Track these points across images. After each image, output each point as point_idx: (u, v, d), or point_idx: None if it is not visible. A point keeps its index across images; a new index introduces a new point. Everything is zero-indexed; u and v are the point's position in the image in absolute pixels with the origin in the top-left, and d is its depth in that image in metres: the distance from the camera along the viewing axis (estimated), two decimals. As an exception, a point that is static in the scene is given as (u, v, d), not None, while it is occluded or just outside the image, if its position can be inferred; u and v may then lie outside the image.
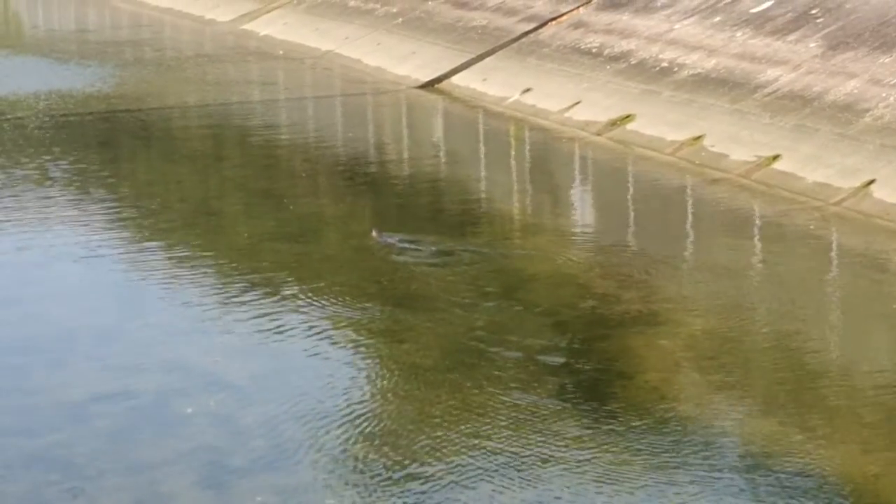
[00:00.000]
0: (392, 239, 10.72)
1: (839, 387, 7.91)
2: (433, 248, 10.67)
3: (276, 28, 24.11)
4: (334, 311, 9.17)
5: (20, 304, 9.52)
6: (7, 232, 11.23)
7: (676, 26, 16.80)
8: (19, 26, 29.31)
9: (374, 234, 10.74)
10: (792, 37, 15.15)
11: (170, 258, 10.55)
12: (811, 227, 11.40)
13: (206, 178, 13.69)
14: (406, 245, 10.69)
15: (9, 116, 16.99)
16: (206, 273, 10.08)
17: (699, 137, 13.86)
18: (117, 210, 12.26)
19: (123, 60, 21.85)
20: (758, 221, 11.70)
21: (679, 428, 7.31)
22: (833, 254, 10.77)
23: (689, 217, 11.94)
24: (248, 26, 24.99)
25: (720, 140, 13.63)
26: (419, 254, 10.53)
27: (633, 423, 7.34)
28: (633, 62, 16.38)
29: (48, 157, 14.32)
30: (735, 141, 13.49)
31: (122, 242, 11.05)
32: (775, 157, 12.87)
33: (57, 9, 31.57)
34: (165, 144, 15.87)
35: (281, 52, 22.30)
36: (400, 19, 21.66)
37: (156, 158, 15.14)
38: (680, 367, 8.24)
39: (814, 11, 15.47)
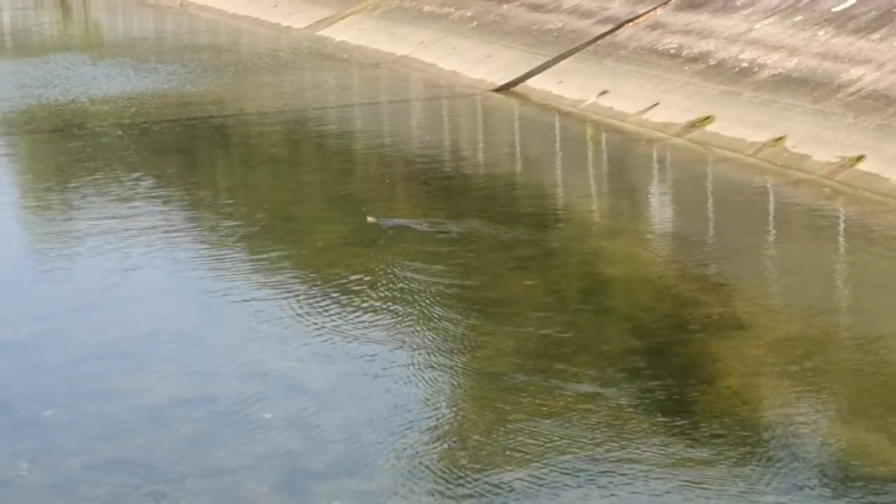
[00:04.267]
0: (391, 222, 11.06)
1: (927, 392, 7.76)
2: (453, 228, 11.06)
3: (351, 33, 24.19)
4: (411, 316, 9.14)
5: (102, 309, 9.59)
6: (88, 238, 11.33)
7: (756, 26, 16.62)
8: (99, 33, 29.66)
9: (370, 219, 11.02)
10: (875, 35, 14.92)
11: (248, 263, 10.59)
12: (896, 228, 11.23)
13: (283, 183, 13.73)
14: (413, 226, 11.13)
15: (89, 123, 17.18)
16: (284, 278, 10.11)
17: (781, 138, 13.68)
18: (196, 216, 12.33)
19: (201, 67, 22.02)
20: (842, 223, 11.53)
21: (761, 434, 7.20)
22: (919, 256, 10.59)
23: (772, 219, 11.79)
24: (323, 32, 25.10)
25: (802, 141, 13.45)
26: (475, 245, 10.50)
27: (714, 429, 7.25)
28: (712, 63, 16.22)
29: (128, 164, 14.45)
30: (818, 142, 13.31)
31: (201, 248, 11.11)
32: (859, 158, 12.67)
33: (136, 16, 31.92)
34: (243, 150, 15.96)
35: (345, 56, 22.35)
36: (475, 23, 21.63)
37: (234, 164, 15.22)
38: (762, 373, 8.13)
39: (897, 9, 15.24)
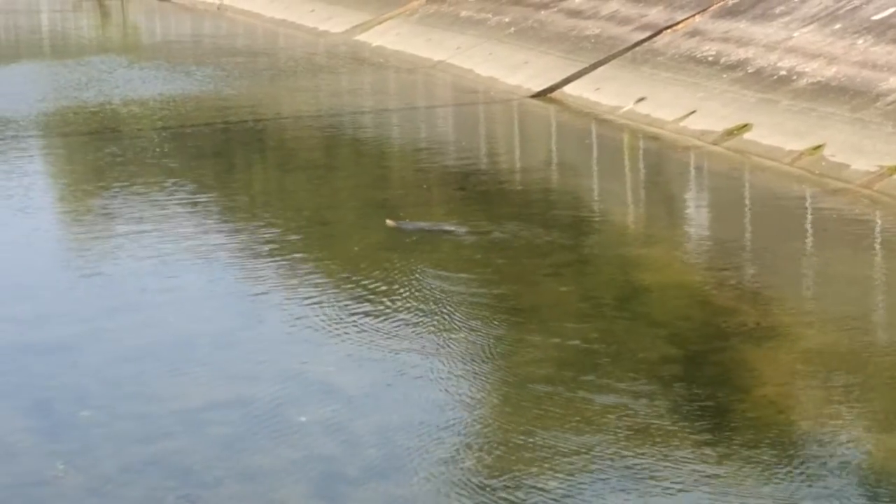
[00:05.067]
0: (411, 225, 11.18)
1: (966, 403, 7.69)
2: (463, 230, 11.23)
3: (388, 39, 24.23)
4: (447, 322, 9.14)
5: (138, 312, 9.63)
6: (124, 241, 11.39)
7: (795, 34, 16.54)
8: (137, 36, 29.82)
9: (389, 223, 11.13)
10: (915, 44, 14.84)
11: (284, 268, 10.61)
12: (935, 238, 11.14)
13: (319, 187, 13.76)
14: (434, 230, 11.26)
15: (125, 126, 17.27)
16: (319, 283, 10.12)
17: (819, 147, 13.61)
18: (232, 220, 12.38)
19: (238, 71, 22.11)
20: (879, 233, 11.45)
21: (798, 443, 7.16)
22: (958, 266, 10.51)
23: (809, 228, 11.73)
24: (360, 37, 25.15)
25: (841, 150, 13.37)
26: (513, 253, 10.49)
27: (750, 438, 7.21)
28: (750, 70, 16.16)
29: (164, 167, 14.53)
30: (856, 150, 13.23)
31: (238, 252, 11.14)
32: (898, 168, 12.60)
33: (174, 20, 32.08)
34: (279, 154, 16.00)
35: (382, 61, 22.38)
36: (512, 29, 21.62)
37: (269, 168, 15.27)
38: (798, 382, 8.08)
39: (937, 18, 15.15)
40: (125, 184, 13.73)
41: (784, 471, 6.83)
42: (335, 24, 26.60)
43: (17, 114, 17.93)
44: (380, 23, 25.46)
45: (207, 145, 16.20)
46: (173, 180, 13.78)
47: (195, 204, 12.76)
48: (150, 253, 10.95)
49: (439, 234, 11.36)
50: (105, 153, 15.39)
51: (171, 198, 12.98)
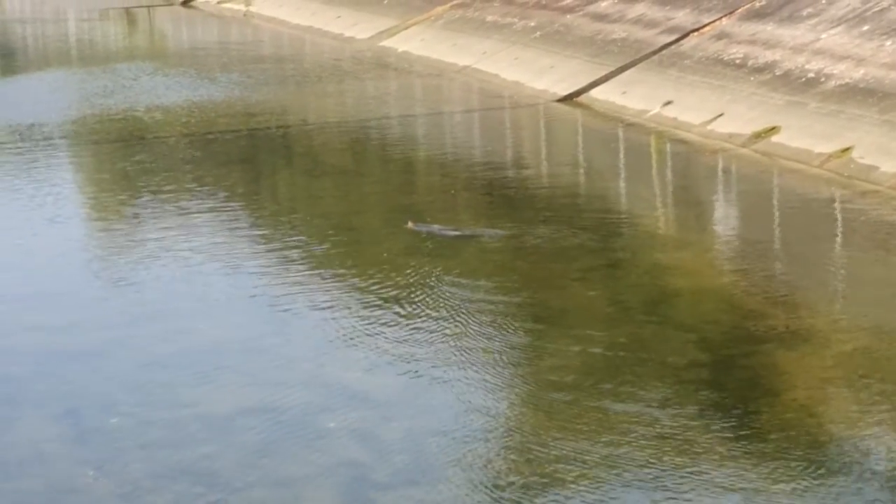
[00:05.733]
0: (426, 228, 11.37)
1: None
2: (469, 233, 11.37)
3: (414, 44, 24.24)
4: (475, 327, 9.13)
5: (167, 319, 9.65)
6: (152, 248, 11.42)
7: (823, 36, 16.47)
8: (164, 43, 29.93)
9: (410, 226, 11.33)
10: (943, 45, 14.75)
11: (311, 274, 10.62)
12: (966, 241, 11.07)
13: (346, 193, 13.76)
14: (448, 233, 11.32)
15: (153, 133, 17.33)
16: (346, 289, 10.13)
17: (847, 149, 13.54)
18: (259, 226, 12.39)
19: (264, 77, 22.16)
20: (910, 235, 11.39)
21: (828, 448, 7.12)
22: None
23: (839, 230, 11.67)
24: (386, 43, 25.17)
25: (869, 152, 13.30)
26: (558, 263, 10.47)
27: (780, 443, 7.18)
28: (777, 73, 16.10)
29: (191, 174, 14.56)
30: (885, 152, 13.15)
31: (265, 258, 11.16)
32: (927, 170, 12.53)
33: (200, 27, 32.18)
34: (306, 160, 16.02)
35: (407, 66, 22.40)
36: (538, 33, 21.60)
37: (297, 174, 15.29)
38: (829, 386, 8.03)
39: (966, 19, 15.06)
40: (153, 191, 13.77)
41: (815, 477, 6.79)
42: (361, 30, 26.64)
43: (46, 121, 18.02)
44: (405, 28, 25.47)
45: (234, 152, 16.23)
46: (201, 187, 13.81)
47: (223, 211, 12.78)
48: (178, 260, 10.98)
49: (458, 238, 11.36)
50: (133, 160, 15.44)
51: (198, 205, 13.01)
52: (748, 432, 7.35)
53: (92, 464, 7.20)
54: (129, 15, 35.13)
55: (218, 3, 34.73)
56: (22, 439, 7.57)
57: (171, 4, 36.30)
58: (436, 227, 11.56)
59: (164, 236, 11.76)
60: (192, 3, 35.88)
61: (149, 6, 36.52)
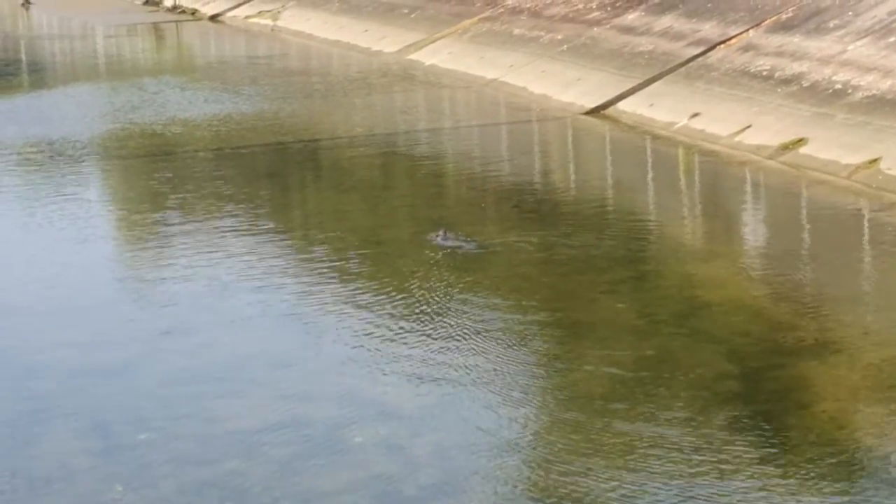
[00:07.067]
0: (450, 241, 11.45)
1: None
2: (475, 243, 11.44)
3: (441, 57, 24.26)
4: (503, 340, 9.11)
5: (194, 333, 9.67)
6: (178, 262, 11.45)
7: (850, 47, 16.41)
8: (192, 57, 30.05)
9: (438, 234, 11.49)
10: (972, 55, 14.67)
11: (339, 288, 10.62)
12: None
13: (374, 207, 13.77)
14: (462, 244, 11.42)
15: (180, 147, 17.38)
16: (374, 303, 10.12)
17: (875, 160, 13.48)
18: (287, 240, 12.41)
19: (292, 91, 22.21)
20: (939, 246, 11.32)
21: (858, 460, 7.07)
22: None
23: (867, 242, 11.61)
24: (413, 56, 25.20)
25: (898, 163, 13.25)
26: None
27: (810, 455, 7.14)
28: (804, 85, 16.04)
29: (219, 188, 14.59)
30: (913, 164, 13.10)
31: (293, 272, 11.17)
32: (956, 180, 12.45)
33: (228, 41, 32.30)
34: (334, 174, 16.04)
35: (435, 80, 22.42)
36: (565, 46, 21.59)
37: (324, 188, 15.31)
38: (859, 398, 7.98)
39: None
40: (181, 206, 13.81)
41: (846, 490, 6.74)
42: (388, 43, 26.69)
43: (75, 136, 18.10)
44: (432, 42, 25.51)
45: (262, 166, 16.27)
46: (229, 202, 13.84)
47: (251, 225, 12.81)
48: (206, 275, 11.00)
49: (476, 251, 11.35)
50: (160, 175, 15.49)
51: (227, 220, 13.04)
52: (777, 445, 7.31)
53: (120, 479, 7.21)
54: (157, 30, 35.29)
55: (245, 17, 34.85)
56: (50, 454, 7.59)
57: (199, 20, 36.44)
58: (447, 239, 11.55)
59: (192, 251, 11.79)
60: (220, 18, 36.02)
61: (177, 21, 36.68)
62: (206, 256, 11.57)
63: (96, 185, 15.63)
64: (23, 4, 43.57)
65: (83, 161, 16.65)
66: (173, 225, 13.00)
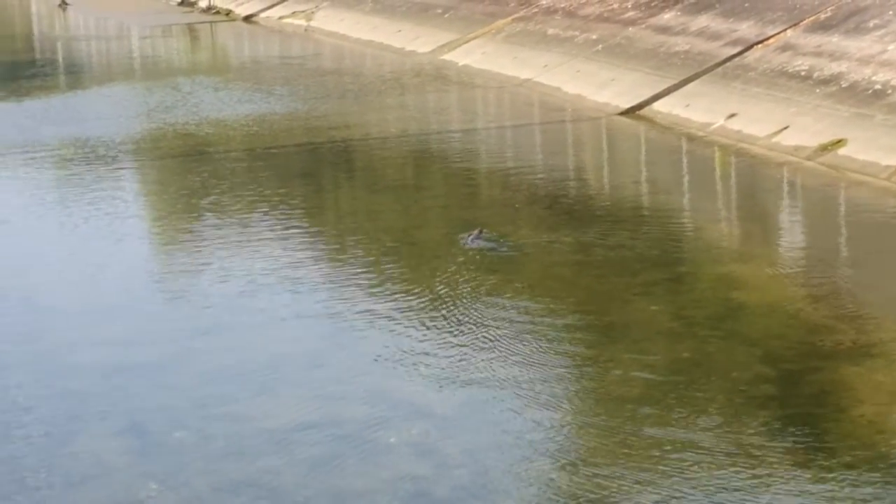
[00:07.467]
0: (471, 241, 11.47)
1: None
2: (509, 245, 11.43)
3: (475, 58, 24.22)
4: (536, 342, 9.07)
5: (229, 333, 9.68)
6: (212, 262, 11.46)
7: (890, 47, 16.27)
8: (227, 57, 30.12)
9: (471, 234, 11.52)
10: None
11: (372, 288, 10.61)
12: None
13: (407, 207, 13.75)
14: (495, 245, 11.42)
15: (214, 147, 17.41)
16: (407, 303, 10.10)
17: (915, 162, 13.36)
18: (320, 240, 12.41)
19: (325, 91, 22.23)
20: (979, 249, 11.21)
21: (899, 465, 7.01)
22: None
23: (906, 244, 11.52)
24: (447, 56, 25.18)
25: (937, 164, 13.13)
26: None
27: (848, 459, 7.07)
28: (843, 85, 15.92)
29: (252, 188, 14.60)
30: (953, 165, 12.98)
31: (326, 272, 11.17)
32: None
33: (262, 42, 32.37)
34: (367, 174, 16.04)
35: (468, 80, 22.39)
36: (599, 46, 21.52)
37: (357, 188, 15.30)
38: (898, 401, 7.91)
39: None
40: (216, 205, 13.83)
41: (884, 494, 6.67)
42: (422, 43, 26.67)
43: (110, 136, 18.16)
44: (466, 42, 25.48)
45: (296, 166, 16.27)
46: (262, 202, 13.85)
47: (284, 226, 12.81)
48: (239, 274, 11.01)
49: (509, 252, 11.34)
50: (196, 175, 15.51)
51: (261, 220, 13.05)
52: (815, 448, 7.25)
53: (155, 477, 7.22)
54: (191, 31, 35.40)
55: (279, 18, 34.92)
56: (86, 452, 7.61)
57: (234, 20, 36.54)
58: (476, 241, 11.54)
59: (225, 251, 11.80)
60: (254, 19, 36.11)
61: (211, 22, 36.80)
62: (241, 257, 11.57)
63: (131, 184, 15.67)
64: (60, 5, 43.83)
65: (118, 160, 16.70)
66: (208, 225, 13.02)
